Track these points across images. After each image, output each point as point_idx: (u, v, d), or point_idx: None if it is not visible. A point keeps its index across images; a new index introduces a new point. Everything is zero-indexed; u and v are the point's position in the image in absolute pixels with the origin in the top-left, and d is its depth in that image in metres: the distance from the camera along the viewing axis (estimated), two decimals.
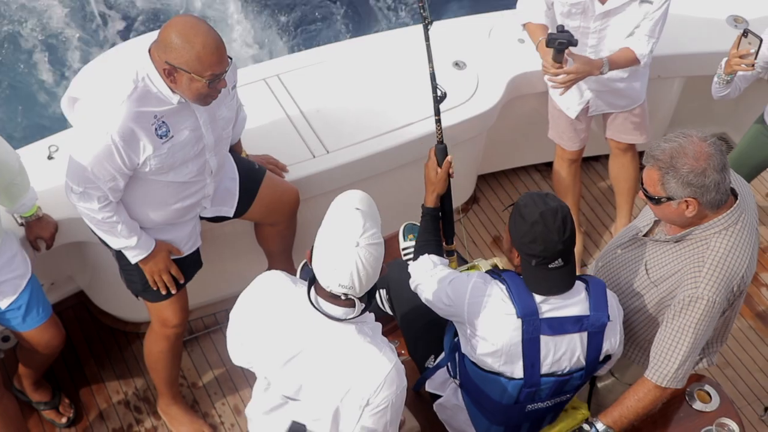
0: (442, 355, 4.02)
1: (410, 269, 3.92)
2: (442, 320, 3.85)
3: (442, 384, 4.00)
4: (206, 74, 3.67)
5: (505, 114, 5.52)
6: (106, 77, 3.85)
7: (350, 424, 3.21)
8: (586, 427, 3.78)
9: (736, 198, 3.65)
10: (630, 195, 5.65)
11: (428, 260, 3.89)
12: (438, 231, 4.11)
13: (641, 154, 5.50)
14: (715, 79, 4.81)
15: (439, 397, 4.02)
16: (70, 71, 8.03)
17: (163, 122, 3.83)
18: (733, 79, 4.75)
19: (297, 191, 4.71)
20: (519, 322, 3.53)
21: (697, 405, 4.00)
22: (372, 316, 3.31)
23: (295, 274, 4.31)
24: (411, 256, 4.47)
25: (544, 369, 3.64)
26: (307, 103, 5.19)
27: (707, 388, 4.05)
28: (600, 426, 3.76)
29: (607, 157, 5.75)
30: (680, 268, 3.67)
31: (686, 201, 3.53)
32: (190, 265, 4.42)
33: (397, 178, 5.24)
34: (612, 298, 3.69)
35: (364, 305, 3.16)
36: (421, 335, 4.10)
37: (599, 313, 3.62)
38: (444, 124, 5.12)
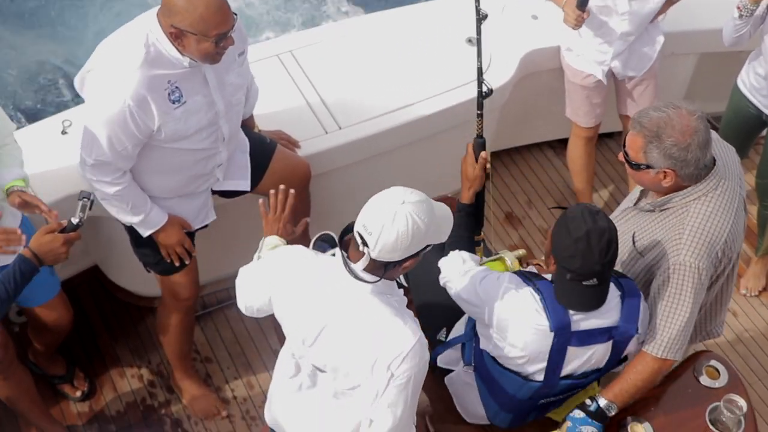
0: (455, 330, 4.05)
1: (440, 264, 3.87)
2: None
3: (454, 360, 4.01)
4: (212, 34, 3.71)
5: (517, 90, 5.52)
6: (115, 45, 3.90)
7: (376, 396, 3.21)
8: (588, 401, 3.77)
9: (714, 164, 3.66)
10: None
11: (459, 257, 3.84)
12: (471, 227, 4.05)
13: None
14: (734, 15, 4.75)
15: (448, 371, 4.04)
16: (88, 46, 8.02)
17: (176, 87, 3.87)
18: (754, 12, 4.67)
19: (308, 164, 4.72)
20: (552, 335, 3.53)
21: (706, 381, 3.99)
22: (401, 290, 3.29)
23: None
24: None
25: (564, 373, 3.67)
26: (320, 79, 5.20)
27: (716, 364, 4.05)
28: (602, 401, 3.76)
29: (620, 134, 5.74)
30: (663, 237, 3.67)
31: (664, 171, 3.54)
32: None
33: (409, 154, 5.26)
34: (644, 308, 3.68)
35: (368, 261, 3.09)
36: (433, 307, 4.09)
37: (629, 325, 3.62)
38: (456, 101, 5.20)
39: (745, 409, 3.81)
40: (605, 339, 3.64)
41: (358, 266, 3.12)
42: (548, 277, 3.65)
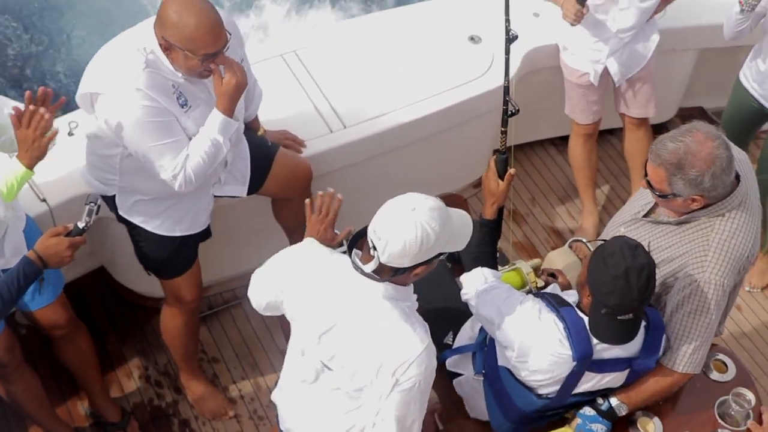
0: (462, 334, 4.05)
1: (462, 280, 3.86)
2: (460, 296, 3.85)
3: (464, 364, 4.02)
4: (200, 53, 3.73)
5: (519, 88, 5.48)
6: (115, 59, 3.89)
7: (380, 401, 3.20)
8: (600, 400, 3.79)
9: (738, 180, 3.63)
10: None
11: (481, 274, 3.81)
12: (495, 243, 4.00)
13: (654, 127, 5.56)
14: (735, 10, 4.76)
15: (457, 374, 4.05)
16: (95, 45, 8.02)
17: (181, 92, 3.89)
18: (755, 7, 4.69)
19: (309, 165, 4.72)
20: (573, 363, 3.54)
21: (713, 375, 4.02)
22: (414, 296, 3.29)
23: None
24: None
25: (575, 392, 3.70)
26: (324, 78, 5.21)
27: (723, 358, 4.07)
28: (614, 401, 3.78)
29: (621, 130, 5.75)
30: (684, 252, 3.66)
31: (692, 198, 3.53)
32: (199, 240, 4.44)
33: (414, 153, 5.27)
34: (665, 339, 3.69)
35: (377, 265, 3.10)
36: (440, 310, 4.07)
37: (648, 360, 3.65)
38: (459, 98, 5.21)
39: (753, 402, 3.84)
40: (623, 368, 3.66)
41: (367, 268, 3.13)
42: (568, 294, 3.67)
